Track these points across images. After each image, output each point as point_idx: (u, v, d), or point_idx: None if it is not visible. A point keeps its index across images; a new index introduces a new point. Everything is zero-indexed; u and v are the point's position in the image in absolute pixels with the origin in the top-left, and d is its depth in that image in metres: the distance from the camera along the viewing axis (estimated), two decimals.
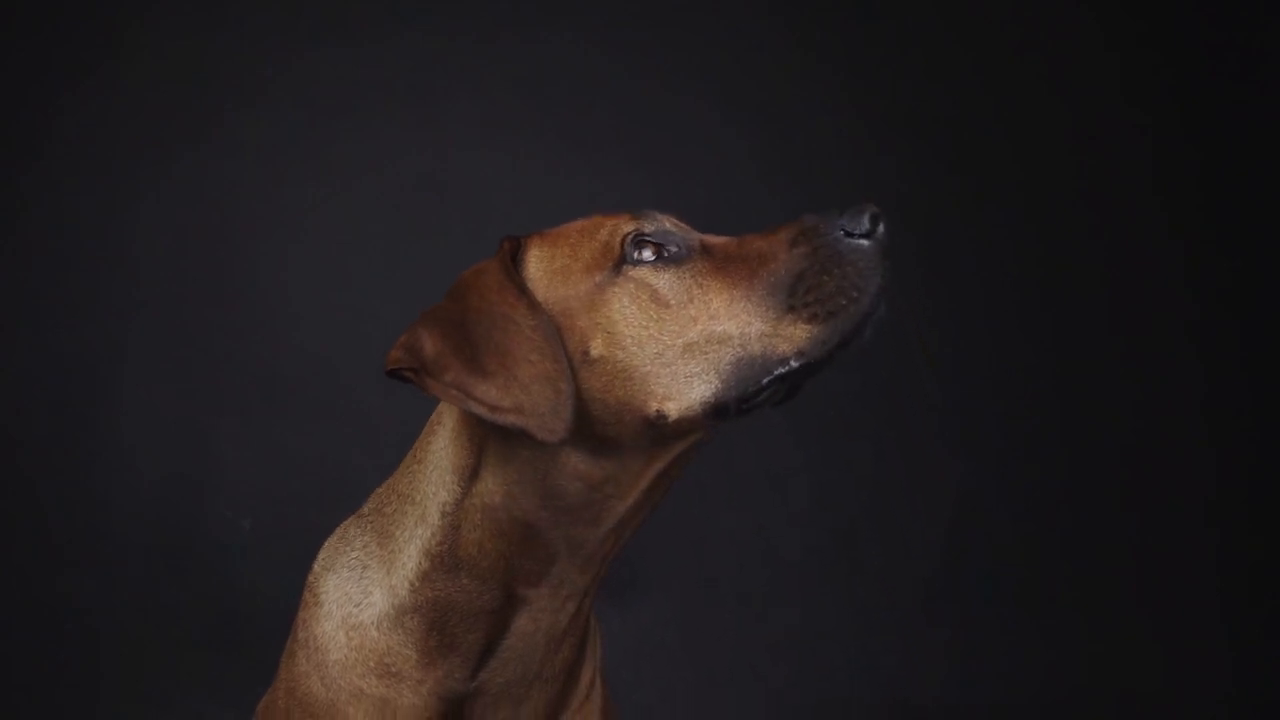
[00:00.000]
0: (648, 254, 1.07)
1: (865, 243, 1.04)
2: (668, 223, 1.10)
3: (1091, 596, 2.81)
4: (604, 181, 2.72)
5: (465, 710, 1.13)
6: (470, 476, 1.10)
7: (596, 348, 1.05)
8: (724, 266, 1.07)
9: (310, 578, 1.21)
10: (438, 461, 1.13)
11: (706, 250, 1.09)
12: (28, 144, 2.61)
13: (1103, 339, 2.94)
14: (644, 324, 1.05)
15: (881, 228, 1.05)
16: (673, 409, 1.03)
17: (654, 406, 1.04)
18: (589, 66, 2.79)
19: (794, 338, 1.03)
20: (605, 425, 1.05)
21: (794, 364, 1.03)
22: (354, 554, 1.18)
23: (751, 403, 1.04)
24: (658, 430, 1.05)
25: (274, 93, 2.69)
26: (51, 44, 2.61)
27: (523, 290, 1.08)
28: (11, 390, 2.57)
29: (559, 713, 1.19)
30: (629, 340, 1.05)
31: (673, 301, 1.05)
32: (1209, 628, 2.77)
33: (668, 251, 1.08)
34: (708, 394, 1.03)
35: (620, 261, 1.07)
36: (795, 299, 1.03)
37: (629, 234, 1.08)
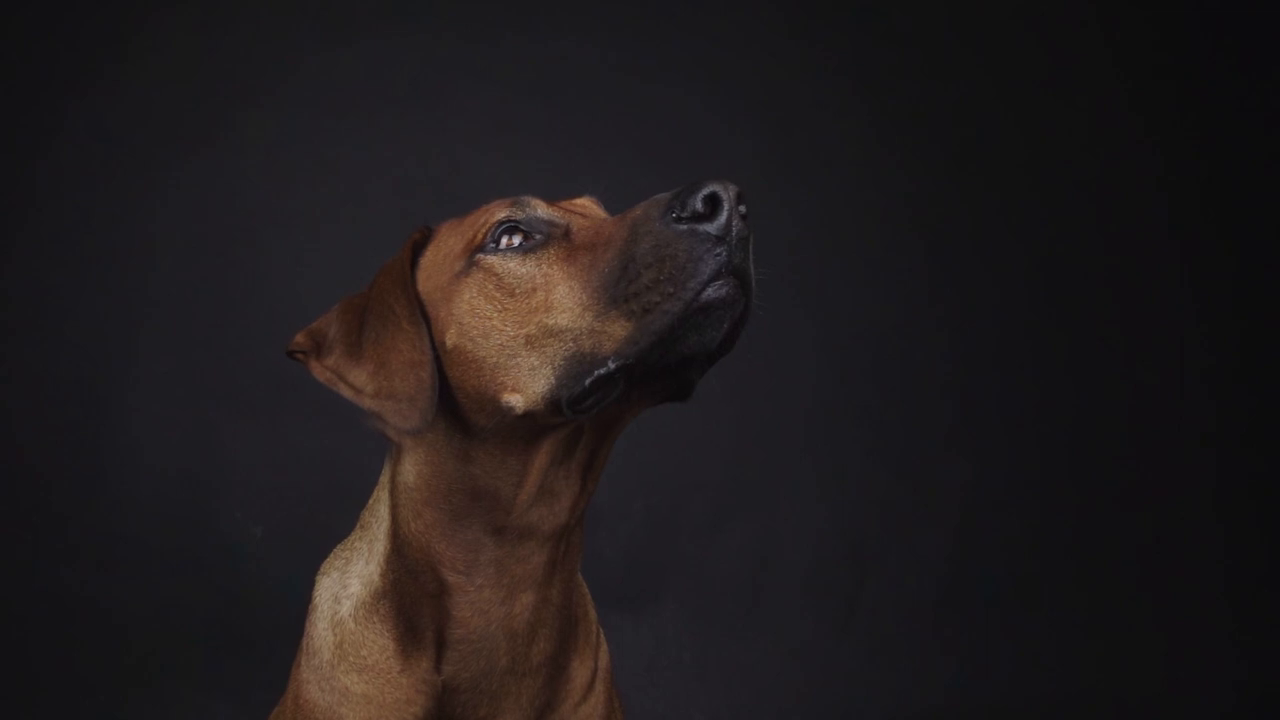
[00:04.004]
0: (517, 240, 1.02)
1: (702, 227, 0.91)
2: (540, 209, 1.04)
3: (1092, 597, 2.81)
4: (605, 182, 2.71)
5: (446, 707, 1.11)
6: (398, 458, 1.12)
7: (451, 337, 1.03)
8: (573, 254, 0.99)
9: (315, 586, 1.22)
10: (391, 446, 1.15)
11: (567, 236, 1.01)
12: (36, 147, 2.61)
13: (1103, 339, 2.94)
14: (488, 315, 1.00)
15: (725, 210, 0.91)
16: (519, 402, 0.98)
17: (504, 398, 0.99)
18: (590, 66, 2.80)
19: (615, 336, 0.93)
20: (472, 414, 1.03)
21: (611, 365, 0.93)
22: (344, 553, 1.20)
23: (582, 404, 0.96)
24: (517, 420, 1.00)
25: (281, 95, 2.69)
26: (59, 48, 2.61)
27: (404, 281, 1.07)
28: (22, 391, 2.57)
29: (551, 709, 1.16)
30: (475, 331, 1.01)
31: (517, 291, 0.99)
32: (1211, 628, 2.77)
33: (534, 239, 1.02)
34: (545, 389, 0.97)
35: (477, 249, 1.03)
36: (618, 291, 0.93)
37: (496, 221, 1.03)
